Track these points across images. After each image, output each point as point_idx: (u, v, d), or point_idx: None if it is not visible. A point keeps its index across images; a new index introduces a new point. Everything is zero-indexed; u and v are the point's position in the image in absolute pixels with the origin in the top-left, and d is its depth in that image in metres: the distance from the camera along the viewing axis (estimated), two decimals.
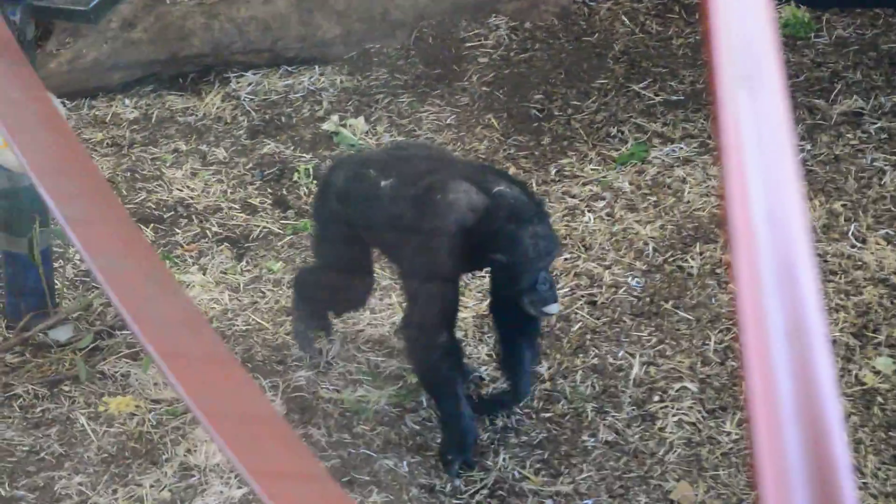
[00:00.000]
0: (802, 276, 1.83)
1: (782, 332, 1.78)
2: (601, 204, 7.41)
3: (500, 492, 6.07)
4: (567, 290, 6.92)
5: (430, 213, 5.59)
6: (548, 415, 6.39)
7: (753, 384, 1.69)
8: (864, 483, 5.86)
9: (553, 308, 5.70)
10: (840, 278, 6.89)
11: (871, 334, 6.61)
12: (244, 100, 8.60)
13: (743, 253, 1.83)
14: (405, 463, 6.20)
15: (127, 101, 8.64)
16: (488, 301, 6.18)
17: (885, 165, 7.61)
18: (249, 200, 7.59)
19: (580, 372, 6.53)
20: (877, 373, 6.41)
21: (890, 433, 6.17)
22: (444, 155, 6.43)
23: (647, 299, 6.90)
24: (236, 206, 7.56)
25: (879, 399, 6.32)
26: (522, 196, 5.59)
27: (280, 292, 7.04)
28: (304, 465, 2.63)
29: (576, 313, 6.80)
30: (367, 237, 6.08)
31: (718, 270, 6.98)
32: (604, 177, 7.62)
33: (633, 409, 6.40)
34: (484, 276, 6.48)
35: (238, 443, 2.40)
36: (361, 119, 8.30)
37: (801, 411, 1.71)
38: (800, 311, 1.81)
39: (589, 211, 7.36)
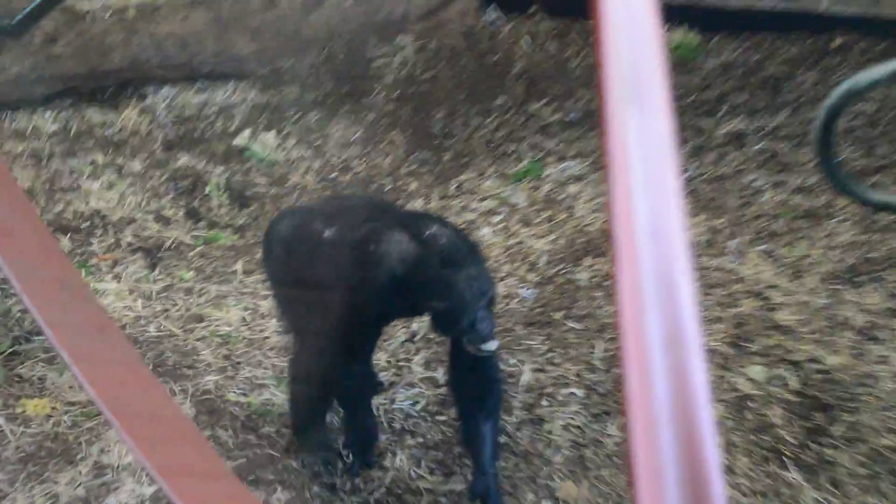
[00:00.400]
0: (681, 288, 1.88)
1: (660, 342, 1.82)
2: (497, 218, 7.55)
3: (398, 490, 6.19)
4: None
5: (364, 263, 5.55)
6: (442, 418, 6.55)
7: (632, 389, 1.75)
8: (736, 482, 6.01)
9: (491, 345, 5.47)
10: (719, 292, 7.08)
11: (745, 344, 6.78)
12: (160, 114, 8.69)
13: (625, 266, 1.87)
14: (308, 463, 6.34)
15: (48, 114, 8.68)
16: (446, 376, 6.09)
17: (764, 185, 7.77)
18: (163, 212, 7.68)
19: None
20: (750, 380, 6.59)
21: (761, 436, 6.34)
22: (383, 205, 6.33)
23: (539, 310, 7.04)
24: (150, 218, 7.65)
25: (751, 404, 6.48)
26: (455, 240, 5.52)
27: (191, 300, 7.13)
28: (211, 464, 2.71)
29: None
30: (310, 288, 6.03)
31: (606, 283, 7.13)
32: (500, 192, 7.75)
33: (524, 413, 6.55)
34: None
35: (147, 443, 2.44)
36: (272, 134, 8.41)
37: (677, 415, 1.76)
38: (678, 321, 1.86)
39: (486, 225, 7.49)
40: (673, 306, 1.85)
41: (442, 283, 5.35)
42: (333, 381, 5.90)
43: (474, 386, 5.67)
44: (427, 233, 5.44)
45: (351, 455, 6.13)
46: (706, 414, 1.77)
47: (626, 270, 1.85)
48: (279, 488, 6.17)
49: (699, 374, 1.82)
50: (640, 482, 1.70)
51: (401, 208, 6.36)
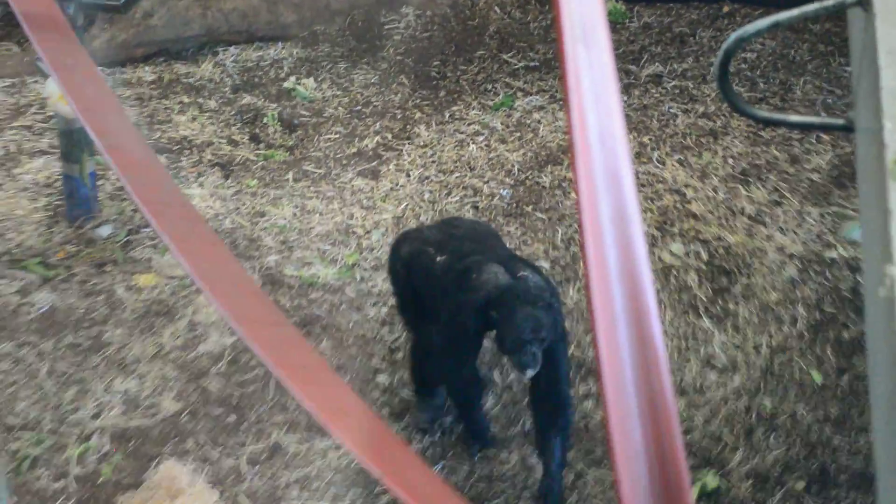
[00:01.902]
0: (625, 179, 1.88)
1: (610, 218, 1.81)
2: (481, 138, 7.41)
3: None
4: (457, 198, 6.94)
5: (466, 287, 5.20)
6: None
7: (589, 255, 1.73)
8: (664, 330, 5.95)
9: (528, 373, 5.03)
10: (647, 189, 6.95)
11: (668, 228, 6.67)
12: (229, 66, 8.52)
13: (582, 163, 1.85)
14: (349, 322, 6.23)
15: (147, 69, 8.54)
16: (528, 396, 5.56)
17: (678, 111, 7.66)
18: (233, 137, 7.54)
19: None
20: (672, 254, 6.49)
21: (681, 295, 6.25)
22: (489, 233, 5.83)
23: (514, 205, 6.91)
24: (224, 141, 7.51)
25: (674, 272, 6.40)
26: (541, 285, 5.12)
27: (255, 201, 7.01)
28: (274, 316, 2.70)
29: (464, 215, 6.82)
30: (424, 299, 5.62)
31: (564, 184, 7.00)
32: (483, 119, 7.60)
33: None
34: None
35: (227, 301, 2.44)
36: (311, 80, 8.27)
37: (624, 273, 1.74)
38: (623, 203, 1.84)
39: (472, 143, 7.36)
40: (619, 192, 1.83)
41: (511, 312, 5.01)
42: (442, 378, 5.61)
43: (549, 407, 5.30)
44: (520, 273, 5.14)
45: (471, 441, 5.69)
46: (646, 273, 1.74)
47: (582, 166, 1.82)
48: (325, 339, 6.04)
49: (639, 243, 1.79)
50: (598, 324, 1.66)
51: (499, 238, 5.85)
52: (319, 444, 5.63)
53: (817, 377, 5.77)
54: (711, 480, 5.36)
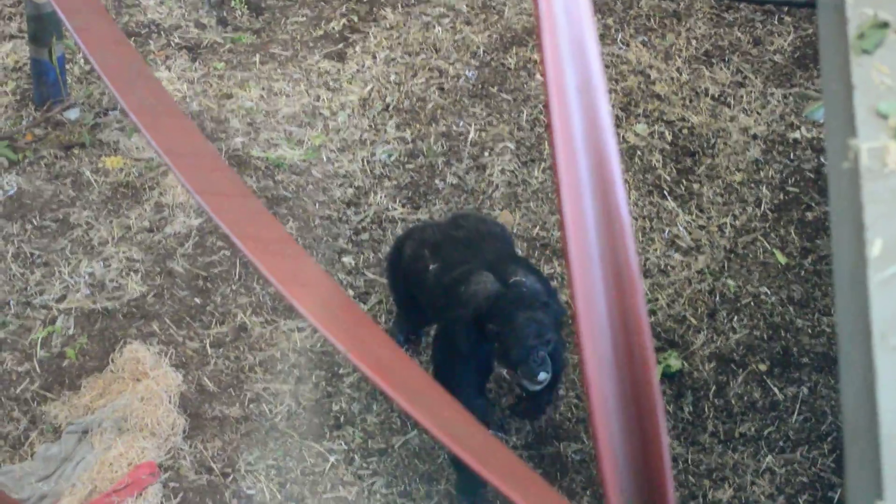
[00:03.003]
0: (590, 51, 1.72)
1: (576, 88, 1.67)
2: (447, 20, 6.83)
3: (381, 220, 5.64)
4: (423, 80, 6.39)
5: (455, 302, 4.47)
6: (410, 166, 5.93)
7: (555, 127, 1.57)
8: (629, 210, 5.45)
9: (541, 378, 4.26)
10: (612, 70, 6.41)
11: (632, 108, 6.16)
12: None
13: (548, 35, 1.71)
14: (315, 203, 5.76)
15: None
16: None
17: None
18: (200, 20, 6.93)
19: (433, 136, 6.05)
20: (637, 135, 5.97)
21: (645, 175, 5.79)
22: (490, 234, 4.88)
23: (479, 86, 6.39)
24: (191, 24, 6.91)
25: (638, 152, 5.90)
26: (535, 286, 4.40)
27: (222, 84, 6.46)
28: (239, 189, 2.55)
29: (430, 96, 6.29)
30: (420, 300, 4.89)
31: (529, 65, 6.45)
32: (448, 1, 6.98)
33: (470, 162, 5.94)
34: None
35: (191, 173, 2.34)
36: None
37: (589, 143, 1.59)
38: (589, 73, 1.70)
39: (438, 25, 6.78)
40: (584, 61, 1.71)
41: (506, 316, 4.28)
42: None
43: (537, 404, 4.74)
44: (512, 279, 4.39)
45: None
46: (611, 140, 1.61)
47: (548, 35, 1.70)
48: (291, 220, 5.61)
49: (605, 112, 1.69)
50: (563, 194, 1.53)
51: (502, 239, 4.92)
52: (284, 326, 5.22)
53: (781, 258, 5.29)
54: (674, 362, 4.91)
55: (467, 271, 4.49)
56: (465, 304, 4.42)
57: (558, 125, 1.60)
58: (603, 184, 1.59)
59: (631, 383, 1.46)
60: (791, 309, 5.10)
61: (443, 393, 1.87)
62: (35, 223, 5.75)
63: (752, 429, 4.71)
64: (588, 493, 4.57)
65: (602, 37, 6.59)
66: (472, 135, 6.05)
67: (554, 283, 5.28)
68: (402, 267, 4.89)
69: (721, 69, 6.34)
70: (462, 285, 4.47)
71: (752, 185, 5.64)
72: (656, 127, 6.00)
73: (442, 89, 6.35)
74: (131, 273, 5.50)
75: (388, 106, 6.26)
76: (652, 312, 5.10)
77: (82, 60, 6.55)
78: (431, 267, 4.67)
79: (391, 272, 5.08)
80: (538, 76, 6.33)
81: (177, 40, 6.83)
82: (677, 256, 5.37)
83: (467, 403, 4.44)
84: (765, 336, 5.01)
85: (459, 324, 4.44)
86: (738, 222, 5.48)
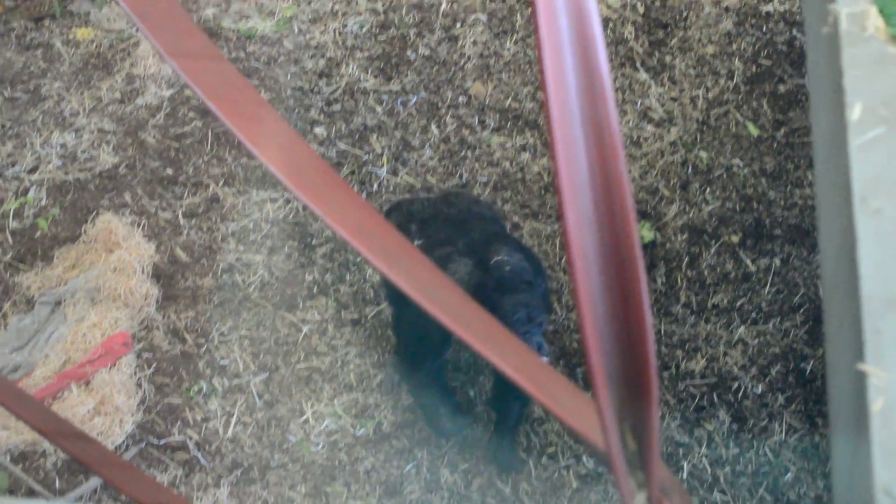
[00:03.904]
0: None
1: None
2: None
3: (353, 91, 5.21)
4: None
5: None
6: (382, 38, 5.49)
7: (540, 14, 1.37)
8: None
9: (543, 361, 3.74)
10: None
11: None
12: None
13: None
14: (287, 74, 5.30)
15: None
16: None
17: None
18: None
19: (404, 7, 5.60)
20: (609, 7, 5.53)
21: (617, 48, 5.39)
22: (480, 215, 4.26)
23: None
24: None
25: (611, 24, 5.47)
26: (519, 266, 3.82)
27: None
28: (212, 52, 1.99)
29: None
30: None
31: None
32: None
33: (442, 33, 5.50)
34: None
35: (161, 34, 1.88)
36: None
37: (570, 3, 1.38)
38: None
39: None
40: None
41: (491, 303, 3.70)
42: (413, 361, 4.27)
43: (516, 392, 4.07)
44: (494, 259, 3.80)
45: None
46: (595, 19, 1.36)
47: None
48: (262, 91, 5.21)
49: None
50: (544, 49, 1.30)
51: (492, 221, 4.28)
52: (257, 196, 4.85)
53: (753, 130, 4.91)
54: (647, 233, 4.56)
55: (446, 255, 3.95)
56: None
57: (543, 16, 1.37)
58: (583, 42, 1.40)
59: (611, 239, 1.36)
60: (763, 181, 4.74)
61: (421, 257, 1.68)
62: (6, 95, 5.37)
63: (725, 300, 4.39)
64: (560, 363, 4.25)
65: None
66: (443, 6, 5.59)
67: (525, 156, 4.88)
68: None
69: None
70: (442, 268, 3.91)
71: (725, 57, 5.23)
72: None
73: None
74: (103, 144, 5.10)
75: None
76: None
77: None
78: (416, 243, 4.08)
79: None
80: None
81: None
82: (650, 128, 4.98)
83: (427, 381, 4.15)
84: (737, 208, 4.67)
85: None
86: (710, 94, 5.09)
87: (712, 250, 4.54)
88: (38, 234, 4.78)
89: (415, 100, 5.19)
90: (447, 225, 4.09)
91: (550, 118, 1.39)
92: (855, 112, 1.99)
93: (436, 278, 1.75)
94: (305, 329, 4.44)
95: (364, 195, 4.81)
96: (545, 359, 3.71)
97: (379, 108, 5.18)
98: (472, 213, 4.18)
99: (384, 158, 4.98)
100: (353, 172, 4.94)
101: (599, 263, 1.37)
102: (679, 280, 4.47)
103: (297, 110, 5.19)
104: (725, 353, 4.23)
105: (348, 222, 1.70)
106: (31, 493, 3.92)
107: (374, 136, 5.07)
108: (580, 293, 1.35)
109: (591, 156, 1.39)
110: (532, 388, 1.55)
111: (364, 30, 5.51)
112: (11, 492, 3.89)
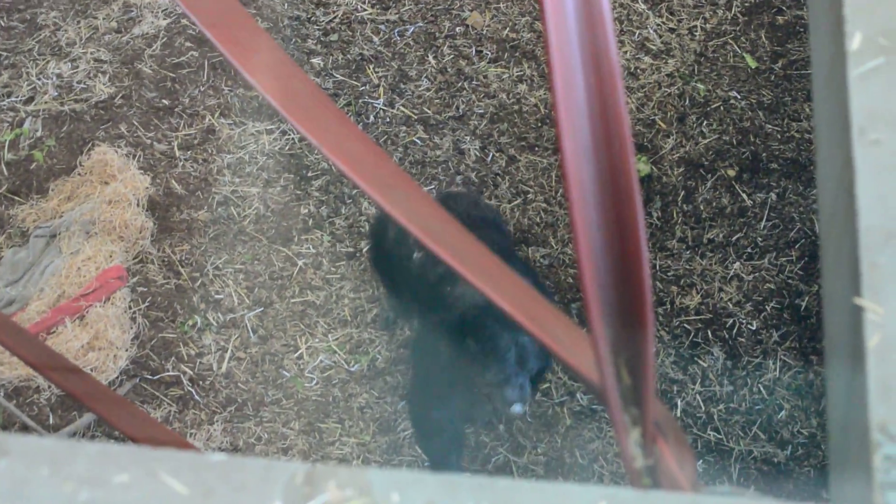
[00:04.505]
0: None
1: None
2: None
3: (350, 21, 4.92)
4: None
5: (442, 302, 3.45)
6: None
7: None
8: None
9: (516, 409, 3.26)
10: None
11: None
12: None
13: None
14: (284, 3, 5.03)
15: None
16: None
17: None
18: None
19: None
20: None
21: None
22: (482, 220, 3.85)
23: None
24: None
25: None
26: None
27: None
28: None
29: None
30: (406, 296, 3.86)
31: None
32: None
33: None
34: None
35: None
36: None
37: None
38: None
39: None
40: None
41: (490, 340, 3.29)
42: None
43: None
44: None
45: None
46: None
47: None
48: (258, 20, 4.89)
49: None
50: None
51: (496, 227, 3.90)
52: (252, 128, 4.63)
53: (751, 62, 4.64)
54: (643, 167, 4.31)
55: (449, 274, 3.37)
56: (450, 309, 3.47)
57: None
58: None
59: (609, 171, 1.32)
60: (761, 114, 4.48)
61: (417, 187, 1.66)
62: (2, 24, 5.10)
63: (721, 235, 4.16)
64: (556, 297, 4.03)
65: None
66: None
67: (522, 87, 4.61)
68: (385, 247, 3.88)
69: None
70: (448, 285, 3.52)
71: None
72: None
73: None
74: (99, 74, 4.84)
75: None
76: None
77: None
78: (416, 255, 3.69)
79: (374, 252, 4.06)
80: None
81: None
82: (647, 59, 4.71)
83: (444, 428, 3.69)
84: (734, 141, 4.41)
85: (443, 328, 3.48)
86: (708, 25, 4.80)
87: (708, 184, 4.29)
88: (34, 165, 4.54)
89: (412, 30, 4.92)
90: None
91: (549, 46, 1.35)
92: (854, 42, 1.88)
93: (433, 211, 1.66)
94: (300, 263, 4.22)
95: (360, 126, 4.56)
96: (521, 408, 3.32)
97: (376, 38, 4.90)
98: (474, 220, 3.78)
99: (381, 90, 4.72)
100: (349, 104, 4.68)
101: (596, 195, 1.33)
102: (675, 214, 4.24)
103: (293, 40, 4.91)
104: (720, 289, 4.01)
105: (344, 153, 1.60)
106: (24, 428, 3.74)
107: (371, 66, 4.80)
108: (577, 224, 1.31)
109: (589, 84, 1.35)
110: (528, 323, 1.49)
111: None
112: (4, 427, 3.71)
